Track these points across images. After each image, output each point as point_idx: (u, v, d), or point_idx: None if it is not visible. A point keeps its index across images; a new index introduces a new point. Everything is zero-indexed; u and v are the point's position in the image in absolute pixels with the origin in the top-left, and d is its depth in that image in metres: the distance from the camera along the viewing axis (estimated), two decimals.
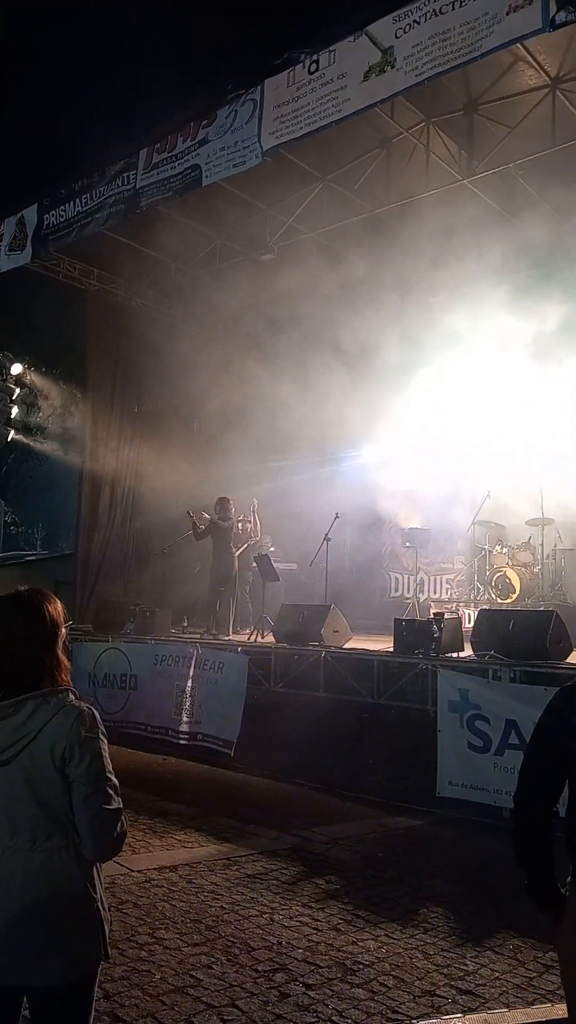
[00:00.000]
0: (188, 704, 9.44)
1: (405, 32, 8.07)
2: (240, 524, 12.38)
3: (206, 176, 9.89)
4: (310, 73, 8.83)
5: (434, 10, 7.85)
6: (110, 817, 2.28)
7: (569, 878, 2.28)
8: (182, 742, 9.36)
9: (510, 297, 10.81)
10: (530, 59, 8.91)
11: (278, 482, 13.68)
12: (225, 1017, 3.62)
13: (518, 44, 8.02)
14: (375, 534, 14.19)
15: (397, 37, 8.12)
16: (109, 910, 2.38)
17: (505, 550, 11.50)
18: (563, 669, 7.19)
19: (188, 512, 11.77)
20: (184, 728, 9.39)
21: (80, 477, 14.08)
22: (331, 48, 8.66)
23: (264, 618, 10.75)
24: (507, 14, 7.36)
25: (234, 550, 11.83)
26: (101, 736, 2.33)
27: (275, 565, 11.58)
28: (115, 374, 14.23)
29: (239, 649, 9.66)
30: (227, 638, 11.02)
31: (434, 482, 12.43)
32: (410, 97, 9.27)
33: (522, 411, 11.84)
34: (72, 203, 11.63)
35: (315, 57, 8.80)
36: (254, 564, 12.21)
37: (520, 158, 9.76)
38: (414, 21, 8.00)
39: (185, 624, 12.43)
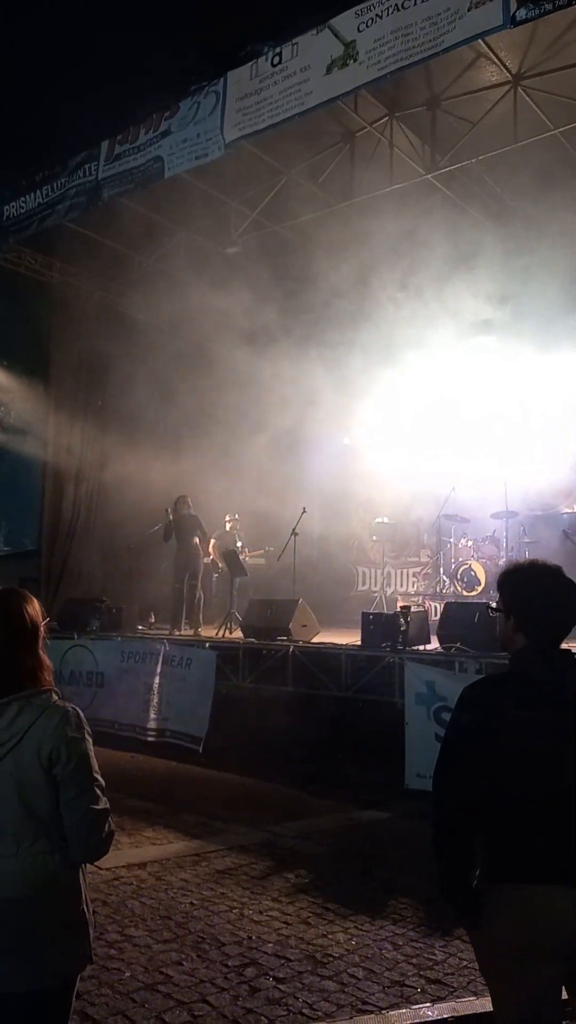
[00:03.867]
0: (156, 701, 9.39)
1: (367, 26, 8.09)
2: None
3: (168, 168, 9.82)
4: (273, 66, 8.81)
5: (396, 5, 7.88)
6: (98, 818, 2.27)
7: (479, 872, 2.29)
8: (150, 739, 9.31)
9: (477, 293, 10.90)
10: (492, 56, 8.94)
11: (245, 476, 13.65)
12: (196, 1013, 3.62)
13: (479, 40, 8.07)
14: (342, 528, 14.26)
15: (359, 31, 8.14)
16: (93, 912, 2.36)
17: (470, 543, 11.60)
18: None
19: (167, 510, 11.73)
20: (152, 725, 9.34)
21: (43, 473, 13.90)
22: (294, 41, 8.66)
23: (232, 613, 10.73)
24: (468, 10, 7.42)
25: (199, 544, 11.79)
26: (87, 736, 2.32)
27: (242, 560, 11.60)
28: (78, 368, 14.07)
29: (207, 645, 9.63)
30: (199, 631, 11.00)
31: (400, 476, 12.52)
32: (373, 91, 9.28)
33: (488, 406, 12.00)
34: (32, 194, 11.48)
35: (278, 50, 8.79)
36: (217, 561, 12.24)
37: (482, 154, 9.82)
38: (376, 15, 8.02)
39: (152, 620, 12.36)
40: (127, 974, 3.97)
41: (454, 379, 12.19)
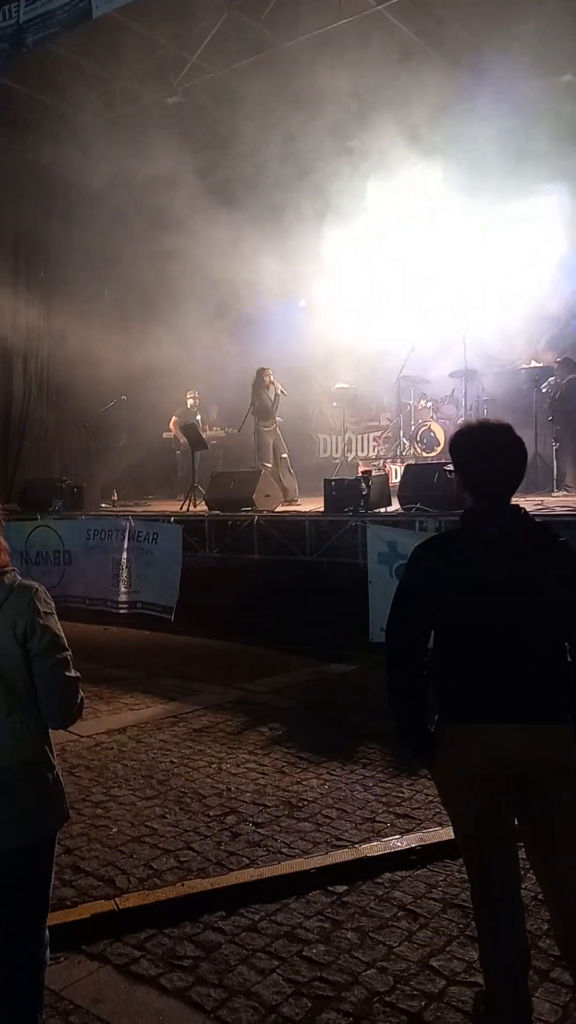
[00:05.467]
0: (125, 575, 9.52)
1: None
2: (271, 391, 11.00)
3: (96, 6, 8.99)
4: None
5: None
6: (71, 685, 2.39)
7: (436, 715, 2.45)
8: (122, 611, 9.50)
9: (432, 140, 10.39)
10: None
11: (199, 346, 13.32)
12: (181, 859, 3.87)
13: None
14: (302, 396, 14.13)
15: None
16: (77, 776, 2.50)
17: (429, 404, 11.61)
18: None
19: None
20: (123, 598, 9.51)
21: None
22: None
23: (195, 487, 10.75)
24: None
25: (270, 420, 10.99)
26: (54, 611, 2.41)
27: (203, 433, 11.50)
28: (16, 237, 13.33)
29: (172, 519, 9.69)
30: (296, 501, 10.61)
31: (359, 338, 12.30)
32: None
33: (444, 259, 11.68)
34: None
35: None
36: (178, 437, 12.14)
37: None
38: None
39: (115, 497, 12.34)
40: (114, 830, 4.21)
41: (406, 234, 11.78)
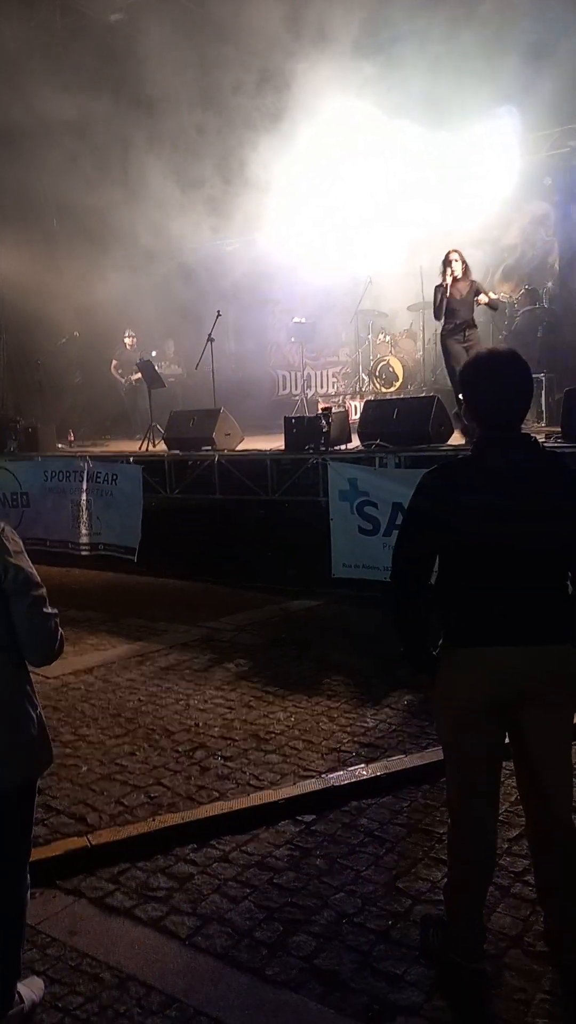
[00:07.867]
0: (86, 517, 9.45)
1: None
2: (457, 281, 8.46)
3: None
4: None
5: None
6: (52, 621, 2.40)
7: (440, 640, 2.51)
8: (84, 553, 9.45)
9: (379, 63, 10.06)
10: None
11: (151, 280, 12.97)
12: (152, 795, 3.94)
13: None
14: (259, 333, 13.92)
15: None
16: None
17: (388, 338, 11.52)
18: (444, 451, 7.50)
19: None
20: (84, 540, 9.46)
21: None
22: None
23: (154, 426, 10.60)
24: None
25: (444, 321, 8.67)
26: (23, 550, 2.41)
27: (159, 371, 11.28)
28: None
29: (131, 459, 9.58)
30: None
31: (316, 270, 12.08)
32: None
33: (398, 190, 11.46)
34: None
35: None
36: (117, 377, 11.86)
37: None
38: None
39: (71, 438, 12.13)
40: (84, 768, 4.26)
41: (359, 164, 11.48)
